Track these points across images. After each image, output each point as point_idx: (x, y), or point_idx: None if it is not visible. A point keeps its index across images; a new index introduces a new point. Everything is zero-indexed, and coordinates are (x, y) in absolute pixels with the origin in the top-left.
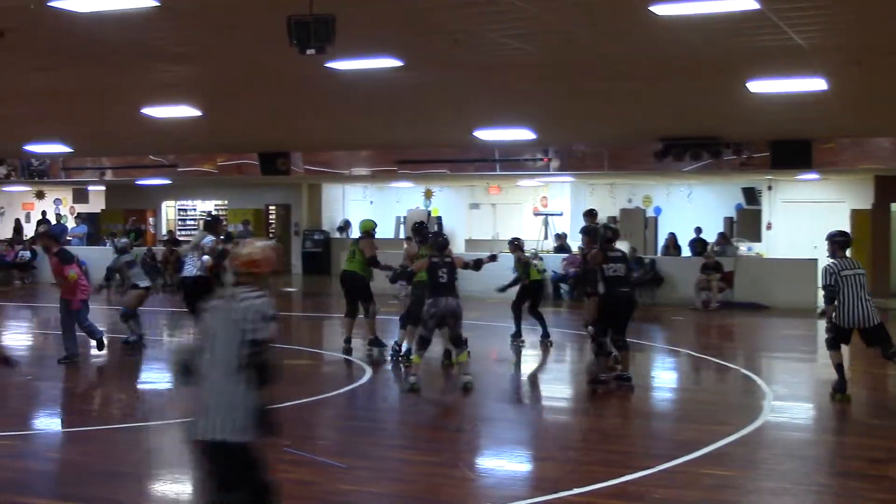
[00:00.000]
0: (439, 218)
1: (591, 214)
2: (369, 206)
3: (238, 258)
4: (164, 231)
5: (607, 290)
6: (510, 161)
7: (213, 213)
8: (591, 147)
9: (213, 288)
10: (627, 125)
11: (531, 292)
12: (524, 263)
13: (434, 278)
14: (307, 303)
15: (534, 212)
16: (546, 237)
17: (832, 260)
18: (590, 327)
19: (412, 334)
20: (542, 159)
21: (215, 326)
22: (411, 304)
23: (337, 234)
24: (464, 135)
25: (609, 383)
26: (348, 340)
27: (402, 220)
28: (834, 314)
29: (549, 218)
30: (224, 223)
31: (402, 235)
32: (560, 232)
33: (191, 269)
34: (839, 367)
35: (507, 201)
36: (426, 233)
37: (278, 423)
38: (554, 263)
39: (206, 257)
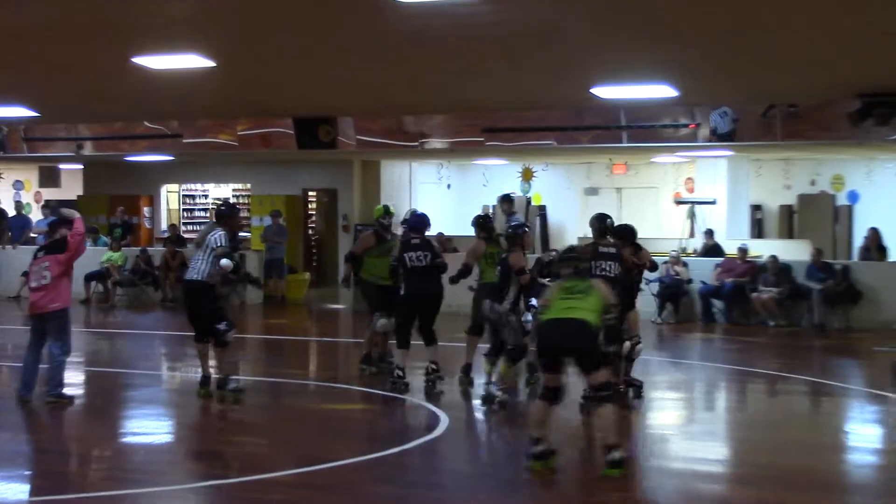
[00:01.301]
0: (542, 207)
1: (507, 200)
2: (446, 191)
3: None
4: (164, 225)
5: None
6: (642, 128)
7: (230, 201)
8: (757, 108)
9: (219, 301)
10: (810, 76)
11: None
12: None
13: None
14: (359, 325)
15: (675, 199)
16: (692, 234)
17: None
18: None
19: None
20: (687, 125)
21: None
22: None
23: (401, 230)
24: (577, 92)
25: (504, 396)
26: (366, 359)
27: (491, 209)
28: None
29: (697, 207)
30: (240, 214)
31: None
32: (711, 228)
33: (196, 272)
34: None
35: (638, 184)
36: (491, 227)
37: None
38: (703, 272)
39: (225, 261)
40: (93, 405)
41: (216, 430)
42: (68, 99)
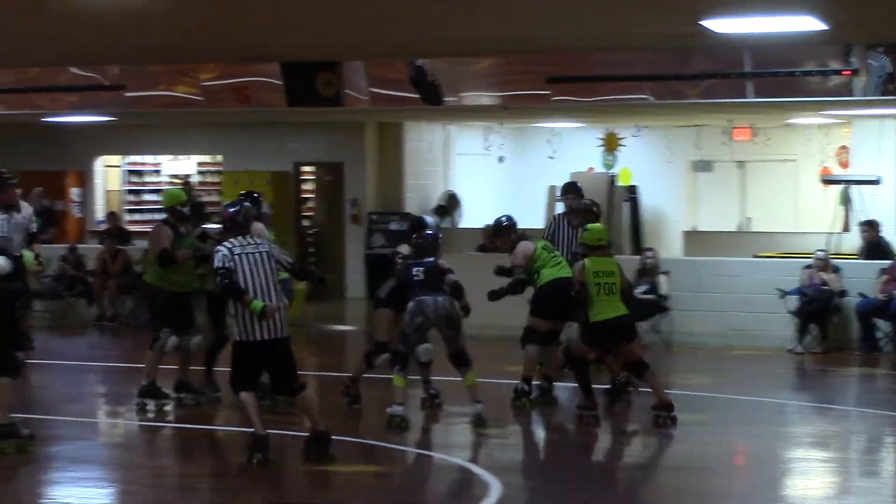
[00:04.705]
0: (632, 189)
1: (573, 190)
2: (496, 165)
3: None
4: (99, 213)
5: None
6: (776, 76)
7: (184, 177)
8: None
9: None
10: None
11: None
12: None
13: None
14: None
15: (822, 177)
16: (846, 227)
17: None
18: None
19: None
20: (839, 72)
21: None
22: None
23: (435, 220)
24: (683, 26)
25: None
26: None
27: (559, 192)
28: None
29: (854, 189)
30: (197, 198)
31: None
32: (873, 218)
33: None
34: None
35: (769, 156)
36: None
37: None
38: (862, 280)
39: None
40: (5, 465)
41: (179, 499)
42: None
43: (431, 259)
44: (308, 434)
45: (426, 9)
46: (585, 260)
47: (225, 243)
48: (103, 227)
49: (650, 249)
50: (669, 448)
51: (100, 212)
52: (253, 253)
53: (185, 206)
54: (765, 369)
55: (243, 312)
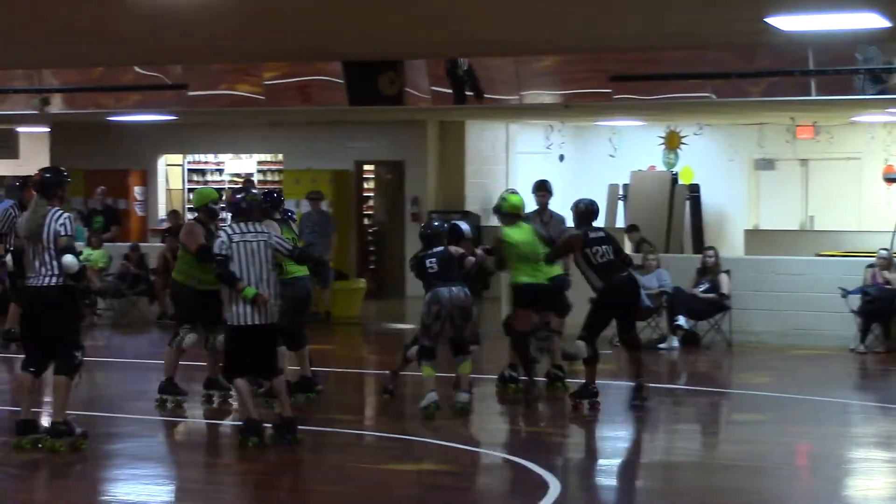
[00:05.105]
0: (694, 187)
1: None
2: (557, 163)
3: None
4: (161, 212)
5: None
6: (839, 74)
7: (246, 175)
8: None
9: (77, 305)
10: None
11: None
12: None
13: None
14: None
15: (886, 175)
16: None
17: None
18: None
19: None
20: None
21: None
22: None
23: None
24: (747, 23)
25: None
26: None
27: (621, 190)
28: None
29: None
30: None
31: (621, 218)
32: None
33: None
34: None
35: (833, 154)
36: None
37: None
38: None
39: (69, 258)
40: (65, 463)
41: (240, 496)
42: (27, 35)
43: (441, 248)
44: (276, 420)
45: (489, 8)
46: (504, 228)
47: (225, 229)
48: (165, 225)
49: (711, 248)
50: (728, 447)
51: (162, 210)
52: (251, 242)
53: (216, 205)
54: (826, 369)
55: (237, 298)
